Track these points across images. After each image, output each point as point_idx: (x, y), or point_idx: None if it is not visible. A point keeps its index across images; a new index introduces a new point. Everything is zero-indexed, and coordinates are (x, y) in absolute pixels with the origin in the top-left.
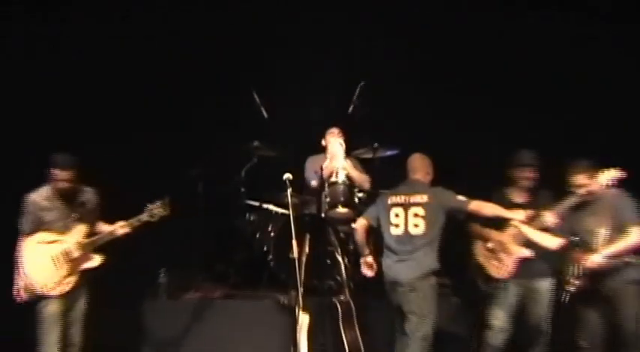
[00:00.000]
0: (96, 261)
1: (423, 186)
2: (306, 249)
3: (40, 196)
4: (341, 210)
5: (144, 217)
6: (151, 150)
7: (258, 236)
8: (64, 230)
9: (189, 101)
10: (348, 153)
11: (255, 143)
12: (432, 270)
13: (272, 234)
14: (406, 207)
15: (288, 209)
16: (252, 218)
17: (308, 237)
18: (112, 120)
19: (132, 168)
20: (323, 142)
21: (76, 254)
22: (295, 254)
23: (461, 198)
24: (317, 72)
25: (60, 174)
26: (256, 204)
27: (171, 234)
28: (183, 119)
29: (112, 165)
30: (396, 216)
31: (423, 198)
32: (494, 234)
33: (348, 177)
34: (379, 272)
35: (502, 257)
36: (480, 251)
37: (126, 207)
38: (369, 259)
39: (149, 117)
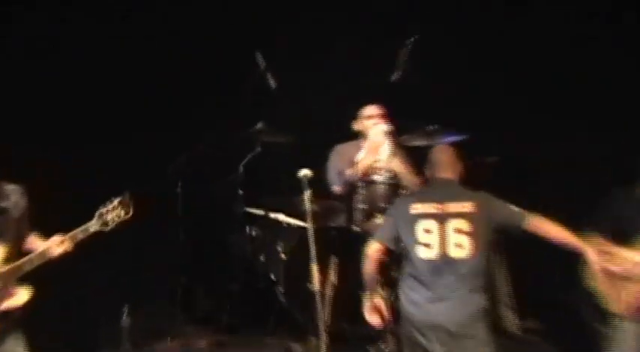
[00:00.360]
0: (20, 297)
1: (462, 190)
2: (332, 278)
3: None
4: (381, 220)
5: (93, 226)
6: (138, 148)
7: (262, 258)
8: None
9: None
10: (393, 140)
11: (259, 125)
12: (485, 311)
13: (282, 256)
14: (442, 219)
15: (305, 220)
16: (254, 232)
17: (334, 260)
18: (99, 117)
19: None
20: (356, 126)
21: None
22: (316, 285)
23: (515, 209)
24: (343, 27)
25: None
26: (260, 212)
27: (138, 252)
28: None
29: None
30: (427, 231)
31: (465, 206)
32: (622, 251)
33: (394, 175)
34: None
35: (630, 286)
36: (595, 273)
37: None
38: (378, 302)
39: (136, 115)
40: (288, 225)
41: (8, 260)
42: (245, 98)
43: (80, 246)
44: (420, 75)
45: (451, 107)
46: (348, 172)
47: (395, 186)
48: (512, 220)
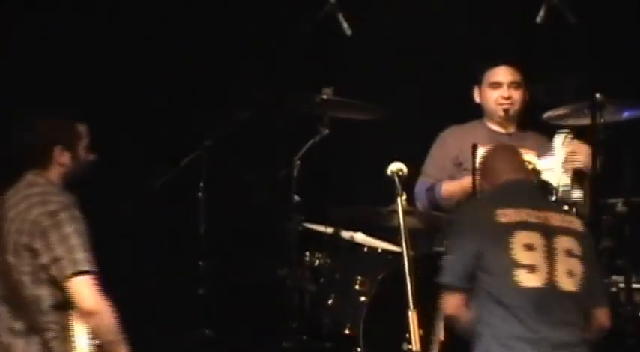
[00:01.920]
0: None
1: (553, 201)
2: (440, 333)
3: None
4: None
5: None
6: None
7: (330, 302)
8: None
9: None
10: (535, 116)
11: (327, 91)
12: None
13: (362, 299)
14: (546, 232)
15: (399, 242)
16: (317, 262)
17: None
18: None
19: None
20: (477, 97)
21: None
22: (416, 343)
23: None
24: None
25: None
26: (327, 230)
27: (140, 296)
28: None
29: None
30: (528, 248)
31: (572, 222)
32: None
33: (535, 171)
34: None
35: None
36: None
37: None
38: None
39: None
40: (371, 249)
41: None
42: (304, 50)
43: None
44: (578, 14)
45: (624, 63)
46: (445, 188)
47: (539, 188)
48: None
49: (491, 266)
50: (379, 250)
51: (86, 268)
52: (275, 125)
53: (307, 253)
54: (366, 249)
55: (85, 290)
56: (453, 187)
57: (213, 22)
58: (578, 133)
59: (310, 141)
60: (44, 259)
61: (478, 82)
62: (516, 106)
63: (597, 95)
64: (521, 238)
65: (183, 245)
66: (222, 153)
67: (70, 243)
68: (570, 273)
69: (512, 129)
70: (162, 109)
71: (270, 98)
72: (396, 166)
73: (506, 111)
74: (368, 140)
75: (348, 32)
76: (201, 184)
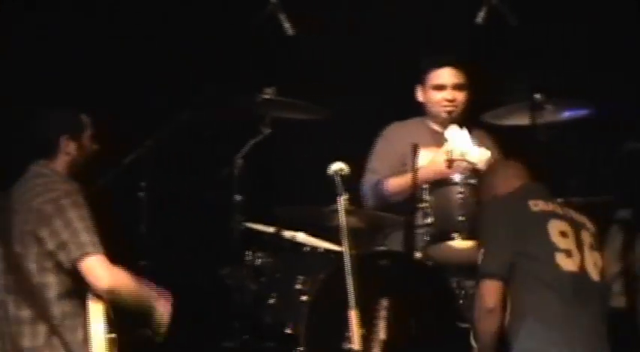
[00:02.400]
0: None
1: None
2: (381, 333)
3: None
4: (459, 243)
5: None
6: None
7: (272, 301)
8: None
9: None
10: (476, 117)
11: (269, 91)
12: None
13: (304, 298)
14: (574, 224)
15: (340, 242)
16: (258, 261)
17: (385, 304)
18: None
19: None
20: (420, 96)
21: None
22: (356, 343)
23: None
24: None
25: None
26: (269, 230)
27: None
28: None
29: None
30: (563, 235)
31: (586, 221)
32: None
33: (475, 171)
34: None
35: None
36: None
37: None
38: None
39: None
40: (313, 249)
41: None
42: (246, 50)
43: None
44: (520, 14)
45: (571, 63)
46: (392, 184)
47: (478, 188)
48: None
49: (533, 250)
50: (321, 249)
51: (93, 250)
52: (217, 125)
53: (249, 252)
54: (307, 249)
55: (96, 270)
56: (399, 182)
57: (157, 22)
58: (519, 133)
59: (252, 141)
60: (50, 246)
61: (421, 81)
62: (459, 108)
63: (537, 95)
64: (556, 225)
65: (125, 245)
66: (165, 152)
67: (74, 227)
68: (595, 265)
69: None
70: (105, 108)
71: (212, 98)
72: (337, 166)
73: (449, 113)
74: (310, 140)
75: (290, 32)
76: (143, 184)
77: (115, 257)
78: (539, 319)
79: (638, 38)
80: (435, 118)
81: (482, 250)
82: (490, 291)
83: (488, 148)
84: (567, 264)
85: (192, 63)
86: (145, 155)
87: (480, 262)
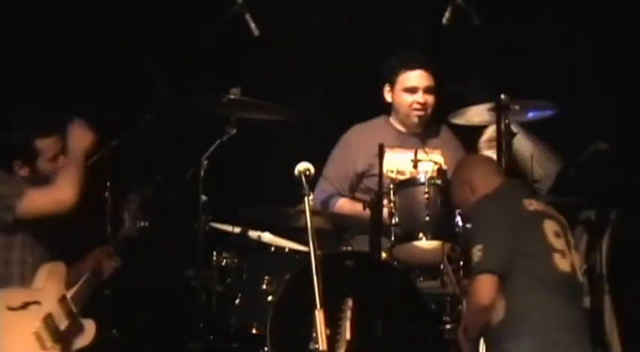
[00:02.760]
0: (89, 331)
1: None
2: (347, 333)
3: None
4: (425, 244)
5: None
6: None
7: (237, 302)
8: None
9: None
10: (441, 115)
11: (234, 91)
12: None
13: (269, 299)
14: (562, 225)
15: (305, 242)
16: (224, 262)
17: (350, 305)
18: None
19: None
20: (388, 97)
21: (64, 323)
22: (322, 343)
23: None
24: None
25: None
26: (234, 230)
27: None
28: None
29: None
30: (557, 235)
31: (566, 222)
32: None
33: (441, 171)
34: None
35: None
36: None
37: None
38: None
39: None
40: (279, 249)
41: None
42: (212, 50)
43: None
44: (483, 14)
45: (531, 62)
46: (340, 206)
47: (445, 188)
48: None
49: (531, 248)
50: (286, 250)
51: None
52: (182, 125)
53: (215, 253)
54: (273, 249)
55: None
56: (347, 210)
57: (121, 21)
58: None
59: (217, 141)
60: None
61: (390, 81)
62: (429, 111)
63: (502, 96)
64: (549, 225)
65: (90, 245)
66: (129, 153)
67: None
68: (579, 265)
69: (419, 130)
70: (70, 109)
71: (176, 98)
72: (303, 166)
73: (420, 117)
74: (275, 140)
75: (256, 32)
76: (108, 184)
77: (79, 257)
78: (539, 319)
79: (602, 37)
80: (404, 120)
81: (478, 247)
82: (486, 287)
83: (454, 147)
84: (562, 264)
85: (159, 63)
86: (109, 156)
87: (476, 259)
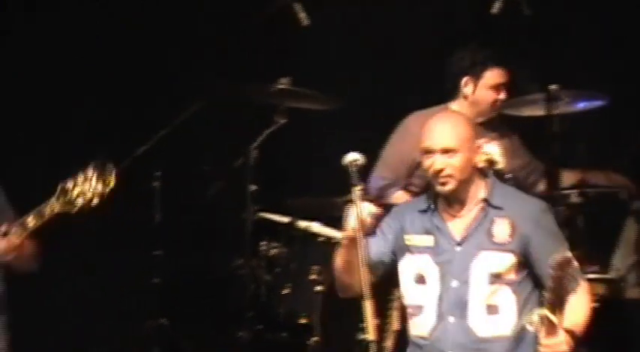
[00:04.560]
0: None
1: None
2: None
3: None
4: None
5: (50, 207)
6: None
7: (286, 291)
8: None
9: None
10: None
11: (284, 81)
12: None
13: (318, 289)
14: None
15: (355, 233)
16: (272, 252)
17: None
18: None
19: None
20: (467, 89)
21: None
22: (371, 333)
23: None
24: None
25: None
26: (283, 220)
27: (96, 287)
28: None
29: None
30: None
31: None
32: None
33: (491, 161)
34: None
35: None
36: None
37: None
38: None
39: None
40: (327, 239)
41: None
42: (262, 40)
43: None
44: (535, 3)
45: (584, 55)
46: (396, 197)
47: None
48: None
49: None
50: (335, 240)
51: None
52: (232, 115)
53: (263, 243)
54: (321, 239)
55: None
56: (403, 199)
57: (172, 11)
58: (534, 124)
59: (267, 131)
60: None
61: (474, 74)
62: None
63: (553, 86)
64: None
65: (139, 234)
66: (179, 142)
67: None
68: None
69: (479, 118)
70: (118, 99)
71: (226, 88)
72: (352, 157)
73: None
74: (324, 130)
75: (305, 22)
76: (157, 174)
77: (129, 247)
78: None
79: None
80: (479, 114)
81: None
82: None
83: (511, 139)
84: None
85: (207, 53)
86: (159, 145)
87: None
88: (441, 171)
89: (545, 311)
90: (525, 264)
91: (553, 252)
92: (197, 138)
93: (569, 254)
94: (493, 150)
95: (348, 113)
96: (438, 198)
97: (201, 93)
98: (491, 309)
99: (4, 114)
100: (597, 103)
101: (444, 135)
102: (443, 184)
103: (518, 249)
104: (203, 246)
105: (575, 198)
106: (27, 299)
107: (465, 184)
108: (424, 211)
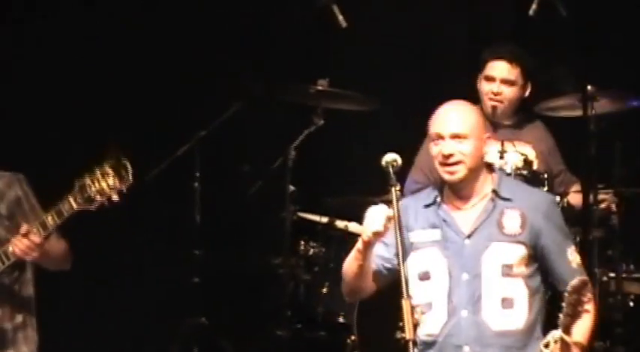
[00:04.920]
0: None
1: None
2: None
3: None
4: None
5: (69, 204)
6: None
7: (325, 290)
8: None
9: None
10: (528, 108)
11: (322, 83)
12: None
13: None
14: None
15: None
16: (311, 251)
17: None
18: None
19: None
20: (478, 83)
21: None
22: (410, 332)
23: None
24: None
25: None
26: (322, 220)
27: (136, 286)
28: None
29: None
30: None
31: None
32: None
33: (527, 162)
34: None
35: None
36: None
37: None
38: None
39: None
40: None
41: None
42: (301, 41)
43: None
44: (572, 5)
45: (621, 55)
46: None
47: (531, 179)
48: None
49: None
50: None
51: None
52: (270, 116)
53: (302, 242)
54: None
55: None
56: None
57: (210, 14)
58: (572, 124)
59: (305, 132)
60: None
61: (479, 69)
62: (506, 104)
63: (589, 87)
64: None
65: (179, 234)
66: (218, 143)
67: None
68: None
69: (509, 122)
70: (158, 100)
71: (265, 89)
72: (390, 157)
73: (494, 108)
74: (362, 130)
75: (344, 24)
76: (197, 174)
77: (170, 246)
78: None
79: None
80: (483, 108)
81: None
82: None
83: (547, 144)
84: None
85: (246, 55)
86: (198, 146)
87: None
88: (450, 156)
89: (561, 333)
90: (535, 256)
91: (564, 247)
92: (236, 138)
93: (586, 277)
94: (528, 152)
95: (385, 114)
96: (443, 191)
97: (241, 94)
98: (506, 303)
99: (41, 113)
100: (635, 104)
101: (454, 120)
102: (452, 173)
103: (529, 240)
104: (242, 246)
105: (611, 197)
106: (68, 299)
107: (474, 174)
108: (429, 205)
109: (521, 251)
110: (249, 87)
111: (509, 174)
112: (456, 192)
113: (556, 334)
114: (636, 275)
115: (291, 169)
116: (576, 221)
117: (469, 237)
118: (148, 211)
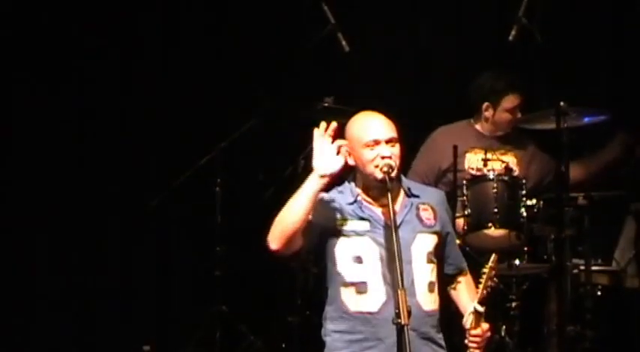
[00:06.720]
0: None
1: None
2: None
3: None
4: (494, 232)
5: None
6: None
7: None
8: None
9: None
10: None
11: (328, 100)
12: None
13: None
14: None
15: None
16: None
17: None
18: None
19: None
20: (487, 112)
21: None
22: (404, 319)
23: None
24: None
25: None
26: None
27: (160, 274)
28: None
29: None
30: None
31: None
32: None
33: (509, 169)
34: None
35: None
36: None
37: None
38: None
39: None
40: None
41: None
42: (307, 64)
43: None
44: (546, 32)
45: (589, 76)
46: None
47: (511, 184)
48: None
49: None
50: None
51: None
52: (282, 129)
53: None
54: None
55: None
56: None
57: (236, 36)
58: (545, 137)
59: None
60: None
61: (492, 101)
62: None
63: (562, 103)
64: None
65: (203, 233)
66: (237, 153)
67: None
68: None
69: (499, 133)
70: (185, 116)
71: (277, 105)
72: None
73: (513, 129)
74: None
75: (347, 49)
76: (218, 180)
77: (194, 243)
78: None
79: None
80: (496, 130)
81: None
82: None
83: (527, 149)
84: None
85: (262, 75)
86: (219, 156)
87: None
88: (389, 158)
89: (476, 305)
90: (443, 244)
91: (454, 235)
92: (253, 149)
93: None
94: (510, 160)
95: None
96: (362, 189)
97: (257, 111)
98: (431, 286)
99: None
100: (600, 118)
101: (387, 127)
102: (388, 173)
103: (440, 230)
104: (258, 243)
105: (581, 200)
106: (108, 288)
107: (399, 173)
108: (351, 203)
109: (436, 240)
110: (265, 105)
111: (491, 180)
112: (383, 190)
113: (472, 307)
114: (603, 268)
115: (300, 176)
116: (551, 220)
117: (397, 229)
118: (175, 212)
